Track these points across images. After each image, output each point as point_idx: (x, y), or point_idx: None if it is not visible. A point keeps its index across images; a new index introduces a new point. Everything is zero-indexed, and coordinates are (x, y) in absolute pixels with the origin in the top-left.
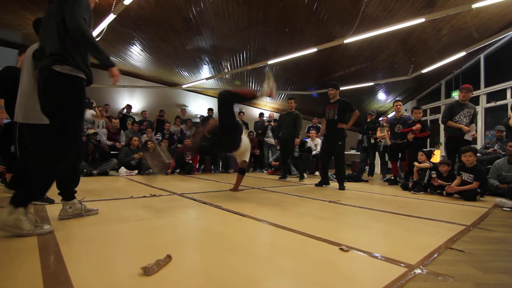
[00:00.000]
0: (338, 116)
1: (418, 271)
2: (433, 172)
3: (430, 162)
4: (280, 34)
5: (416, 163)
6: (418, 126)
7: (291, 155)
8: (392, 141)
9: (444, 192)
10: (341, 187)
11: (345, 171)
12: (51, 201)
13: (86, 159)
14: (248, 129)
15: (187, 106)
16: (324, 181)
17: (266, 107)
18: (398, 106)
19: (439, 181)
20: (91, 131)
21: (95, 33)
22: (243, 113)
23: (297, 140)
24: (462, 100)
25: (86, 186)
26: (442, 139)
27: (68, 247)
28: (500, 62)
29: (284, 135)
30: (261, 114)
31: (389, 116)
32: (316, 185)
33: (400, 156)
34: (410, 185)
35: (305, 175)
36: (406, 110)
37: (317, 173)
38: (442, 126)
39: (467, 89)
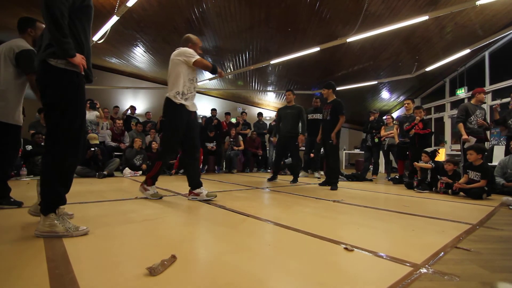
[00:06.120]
0: (330, 117)
1: (423, 270)
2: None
3: (433, 162)
4: (282, 34)
5: (415, 163)
6: (418, 119)
7: (291, 154)
8: (401, 139)
9: (450, 190)
10: (333, 187)
11: (337, 171)
12: (19, 204)
13: (87, 164)
14: (251, 129)
15: None
16: (328, 181)
17: (269, 107)
18: (407, 105)
19: (447, 178)
20: (93, 136)
21: (98, 35)
22: (246, 113)
23: (302, 137)
24: (482, 102)
25: (91, 187)
26: (447, 137)
27: (74, 247)
28: (505, 59)
29: (286, 132)
30: (260, 114)
31: (398, 114)
32: (320, 184)
33: (407, 154)
34: (415, 183)
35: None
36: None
37: (322, 172)
38: (447, 125)
39: (485, 92)
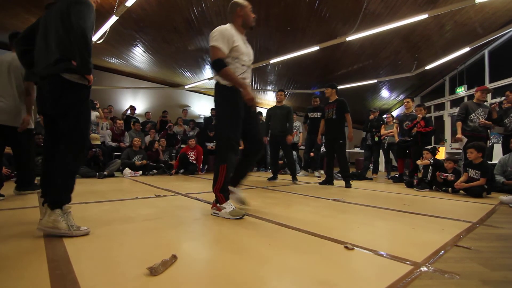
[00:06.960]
0: (336, 116)
1: (424, 268)
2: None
3: (432, 159)
4: (282, 33)
5: (418, 161)
6: (419, 117)
7: (284, 153)
8: (401, 138)
9: (450, 189)
10: (348, 185)
11: (348, 169)
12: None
13: (88, 164)
14: None
15: (190, 107)
16: (329, 180)
17: (268, 106)
18: (407, 103)
19: (445, 175)
20: (95, 136)
21: (98, 35)
22: None
23: (290, 137)
24: (481, 100)
25: (91, 187)
26: (446, 135)
27: (75, 247)
28: (505, 57)
29: (276, 131)
30: (259, 113)
31: (398, 113)
32: (320, 183)
33: (407, 152)
34: (415, 182)
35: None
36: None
37: (322, 171)
38: (447, 123)
39: (487, 90)
